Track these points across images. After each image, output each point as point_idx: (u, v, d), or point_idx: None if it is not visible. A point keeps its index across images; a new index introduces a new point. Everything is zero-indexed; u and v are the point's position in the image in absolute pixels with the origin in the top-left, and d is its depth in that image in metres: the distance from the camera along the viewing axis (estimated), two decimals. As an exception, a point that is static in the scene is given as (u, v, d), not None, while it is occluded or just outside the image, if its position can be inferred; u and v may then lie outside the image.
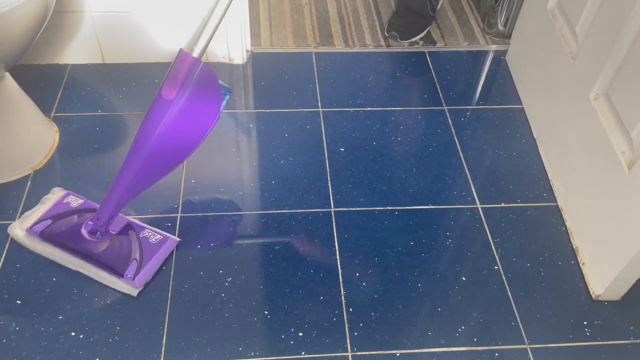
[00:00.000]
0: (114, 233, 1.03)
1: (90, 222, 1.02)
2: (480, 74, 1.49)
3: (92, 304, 0.99)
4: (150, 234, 1.06)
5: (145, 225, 1.08)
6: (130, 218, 1.08)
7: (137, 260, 1.01)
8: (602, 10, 1.05)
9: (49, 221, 1.05)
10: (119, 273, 0.99)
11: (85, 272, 1.01)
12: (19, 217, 1.08)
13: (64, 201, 1.09)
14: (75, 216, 1.06)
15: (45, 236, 1.03)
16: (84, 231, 1.02)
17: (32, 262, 1.03)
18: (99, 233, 1.02)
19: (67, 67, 1.40)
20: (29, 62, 1.39)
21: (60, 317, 0.97)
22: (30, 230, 1.04)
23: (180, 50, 0.90)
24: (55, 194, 1.11)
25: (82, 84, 1.37)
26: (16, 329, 0.95)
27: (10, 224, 1.07)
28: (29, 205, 1.11)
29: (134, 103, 1.33)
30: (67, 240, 1.02)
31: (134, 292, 0.99)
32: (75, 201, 1.09)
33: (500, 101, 1.40)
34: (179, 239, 1.07)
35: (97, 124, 1.28)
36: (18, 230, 1.05)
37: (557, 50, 1.20)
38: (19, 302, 0.99)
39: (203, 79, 0.91)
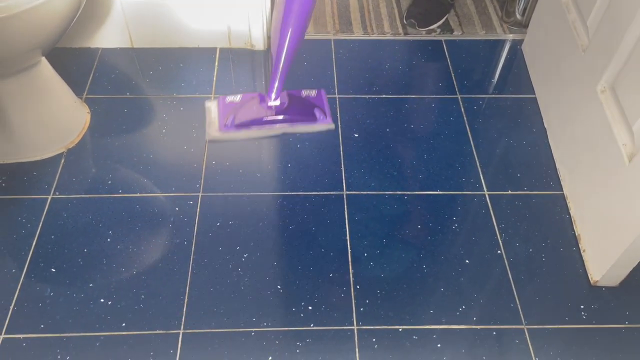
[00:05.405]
0: (284, 99, 1.31)
1: (267, 97, 1.29)
2: (496, 63, 1.51)
3: (119, 274, 1.07)
4: (307, 92, 1.36)
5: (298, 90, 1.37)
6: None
7: (318, 108, 1.31)
8: (613, 5, 1.07)
9: (232, 116, 1.27)
10: (313, 119, 1.30)
11: (282, 132, 1.29)
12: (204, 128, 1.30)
13: (227, 102, 1.32)
14: (248, 102, 1.31)
15: (240, 125, 1.28)
16: (264, 105, 1.30)
17: (65, 234, 1.12)
18: (275, 101, 1.30)
19: (98, 50, 1.48)
20: (62, 46, 1.47)
21: (91, 285, 1.05)
22: (224, 128, 1.27)
23: None
24: (213, 103, 1.33)
25: (112, 68, 1.44)
26: (51, 295, 1.04)
27: (45, 197, 1.16)
28: (63, 182, 1.19)
29: (160, 86, 1.40)
30: (256, 119, 1.29)
31: (332, 126, 1.31)
32: (234, 98, 1.33)
33: (514, 90, 1.43)
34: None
35: (125, 106, 1.35)
36: (215, 133, 1.27)
37: (570, 42, 1.23)
38: (53, 270, 1.07)
39: None
